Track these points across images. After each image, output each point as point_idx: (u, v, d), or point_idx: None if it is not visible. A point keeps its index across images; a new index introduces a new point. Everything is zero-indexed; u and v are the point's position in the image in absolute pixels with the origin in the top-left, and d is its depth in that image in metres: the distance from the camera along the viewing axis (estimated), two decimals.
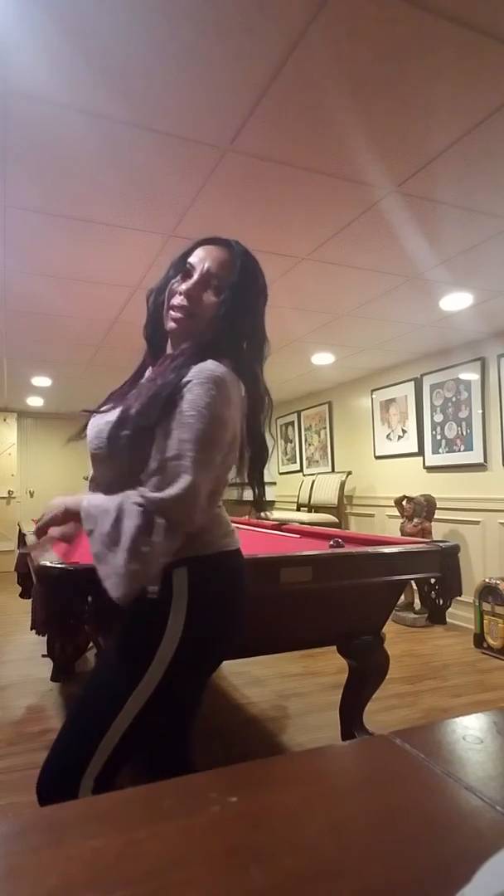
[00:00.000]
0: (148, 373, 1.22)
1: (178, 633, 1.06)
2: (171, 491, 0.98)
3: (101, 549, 0.99)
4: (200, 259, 1.14)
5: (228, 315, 1.12)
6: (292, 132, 1.74)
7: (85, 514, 1.03)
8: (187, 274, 1.14)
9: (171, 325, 1.14)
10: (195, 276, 1.12)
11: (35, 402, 6.67)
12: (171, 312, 1.13)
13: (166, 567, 1.04)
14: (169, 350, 1.19)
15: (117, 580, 0.96)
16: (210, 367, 1.05)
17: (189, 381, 1.02)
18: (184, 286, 1.12)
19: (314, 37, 1.37)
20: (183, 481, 0.98)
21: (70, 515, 1.07)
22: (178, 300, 1.12)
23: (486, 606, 3.64)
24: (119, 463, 1.08)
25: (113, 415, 1.10)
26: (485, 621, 3.65)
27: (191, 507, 1.00)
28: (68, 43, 1.39)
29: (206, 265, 1.13)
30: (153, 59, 1.44)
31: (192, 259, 1.15)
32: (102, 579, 0.98)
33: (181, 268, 1.15)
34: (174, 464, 0.99)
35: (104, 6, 1.28)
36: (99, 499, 1.03)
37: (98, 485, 1.15)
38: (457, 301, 3.26)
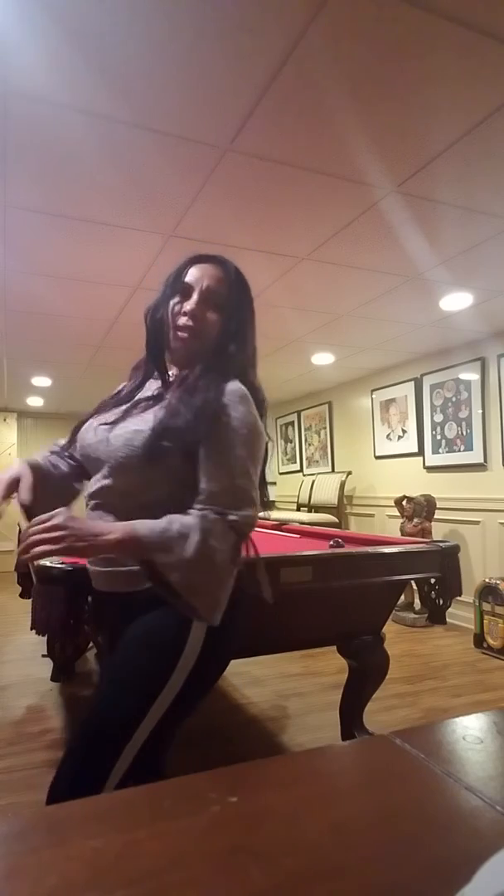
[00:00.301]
0: (152, 386, 1.24)
1: (203, 632, 1.07)
2: (249, 511, 1.06)
3: (190, 575, 0.99)
4: (197, 279, 1.17)
5: (237, 333, 1.18)
6: (292, 132, 1.74)
7: (151, 542, 1.00)
8: (186, 294, 1.17)
9: (177, 344, 1.17)
10: (195, 296, 1.16)
11: (35, 402, 6.67)
12: (178, 333, 1.16)
13: None
14: (170, 365, 1.23)
15: (214, 603, 1.01)
16: (240, 386, 1.12)
17: (230, 400, 1.09)
18: (187, 307, 1.15)
19: (314, 37, 1.37)
20: (252, 500, 1.06)
21: (111, 546, 1.00)
22: (182, 321, 1.15)
23: (486, 606, 3.64)
24: (151, 472, 1.09)
25: (139, 424, 1.11)
26: (485, 621, 3.65)
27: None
28: (68, 43, 1.39)
29: (204, 284, 1.16)
30: (153, 59, 1.44)
31: (189, 279, 1.18)
32: (196, 607, 1.00)
33: (178, 288, 1.18)
34: (243, 483, 1.06)
35: (104, 6, 1.28)
36: (157, 524, 1.01)
37: (113, 493, 1.13)
38: (457, 301, 3.26)
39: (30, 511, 1.13)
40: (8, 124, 1.68)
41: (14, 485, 1.12)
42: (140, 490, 1.11)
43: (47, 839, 0.42)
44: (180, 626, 1.06)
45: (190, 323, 1.15)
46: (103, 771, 1.00)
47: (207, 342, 1.16)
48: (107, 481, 1.14)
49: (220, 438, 1.07)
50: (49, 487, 1.21)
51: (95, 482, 1.17)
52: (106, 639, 1.24)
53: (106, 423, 1.17)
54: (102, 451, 1.15)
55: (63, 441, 1.34)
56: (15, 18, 1.32)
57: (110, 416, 1.19)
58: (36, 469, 1.18)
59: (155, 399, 1.17)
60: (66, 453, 1.32)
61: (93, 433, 1.19)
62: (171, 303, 1.17)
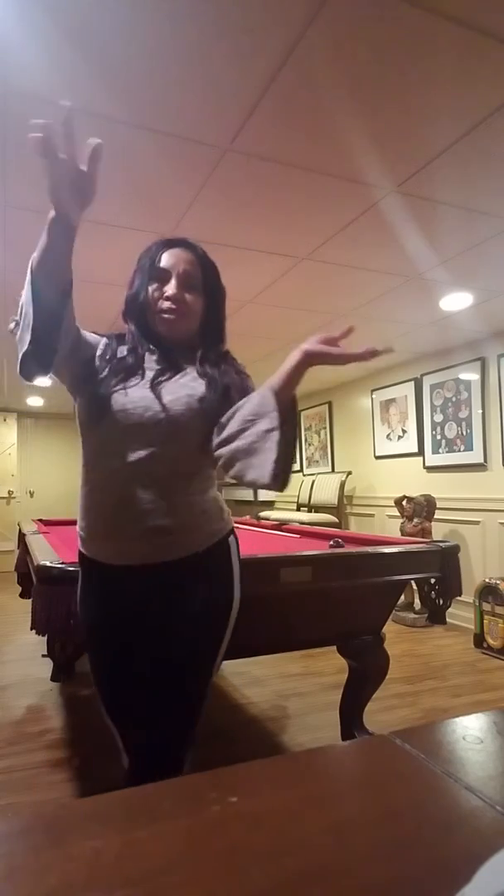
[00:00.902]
0: (150, 359, 1.22)
1: (237, 598, 1.21)
2: None
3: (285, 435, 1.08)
4: (173, 264, 1.22)
5: (216, 308, 1.28)
6: (292, 132, 1.74)
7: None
8: (164, 279, 1.21)
9: (164, 326, 1.22)
10: (174, 281, 1.21)
11: (35, 402, 6.67)
12: (163, 316, 1.20)
13: (222, 536, 1.22)
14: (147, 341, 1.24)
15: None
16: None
17: (247, 379, 1.25)
18: (169, 291, 1.20)
19: (314, 37, 1.37)
20: None
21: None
22: (166, 305, 1.20)
23: (486, 606, 3.64)
24: (199, 439, 1.16)
25: (188, 390, 1.17)
26: (485, 621, 3.65)
27: None
28: (68, 43, 1.39)
29: (180, 268, 1.22)
30: (153, 60, 1.44)
31: (164, 264, 1.22)
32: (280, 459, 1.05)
33: (154, 274, 1.22)
34: None
35: (104, 6, 1.28)
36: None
37: (163, 460, 1.14)
38: (457, 301, 3.26)
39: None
40: (8, 124, 1.68)
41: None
42: (185, 455, 1.17)
43: (47, 839, 0.42)
44: (226, 583, 1.20)
45: (174, 306, 1.20)
46: (186, 735, 1.15)
47: (193, 321, 1.24)
48: (153, 446, 1.13)
49: None
50: (68, 304, 1.10)
51: (134, 448, 1.13)
52: (124, 618, 1.19)
53: (145, 388, 1.16)
54: (152, 415, 1.13)
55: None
56: (15, 18, 1.32)
57: (138, 383, 1.17)
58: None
59: (174, 370, 1.20)
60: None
61: (132, 395, 1.14)
62: (150, 289, 1.21)
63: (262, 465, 1.05)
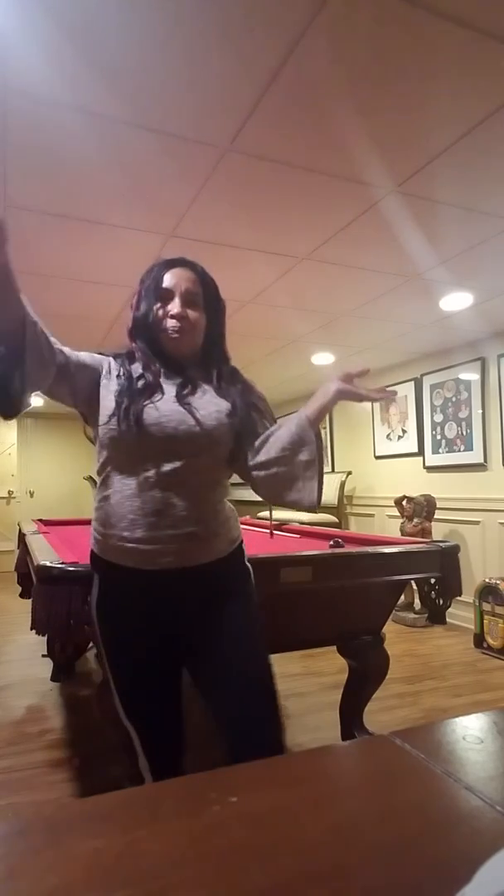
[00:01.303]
0: (166, 377, 1.28)
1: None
2: None
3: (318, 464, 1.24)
4: (175, 283, 1.27)
5: (218, 324, 1.34)
6: (292, 132, 1.74)
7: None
8: (167, 298, 1.27)
9: (170, 344, 1.27)
10: (178, 300, 1.26)
11: (35, 401, 6.62)
12: (170, 334, 1.26)
13: (240, 541, 1.33)
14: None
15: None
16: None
17: (256, 392, 1.36)
18: (173, 310, 1.25)
19: (314, 37, 1.37)
20: None
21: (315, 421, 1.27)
22: (171, 323, 1.25)
23: (486, 606, 3.64)
24: (225, 450, 1.26)
25: (215, 405, 1.26)
26: (485, 621, 3.65)
27: None
28: (68, 43, 1.39)
29: (182, 287, 1.27)
30: (154, 59, 1.44)
31: (167, 284, 1.27)
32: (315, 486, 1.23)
33: (158, 294, 1.27)
34: None
35: (104, 6, 1.28)
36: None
37: (195, 471, 1.22)
38: (457, 301, 3.26)
39: None
40: (8, 124, 1.68)
41: None
42: (216, 466, 1.26)
43: (47, 839, 0.42)
44: (252, 591, 1.32)
45: (178, 324, 1.25)
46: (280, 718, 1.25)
47: (197, 337, 1.29)
48: (188, 457, 1.21)
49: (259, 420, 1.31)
50: (39, 333, 1.13)
51: (169, 459, 1.19)
52: (155, 623, 1.23)
53: (173, 403, 1.22)
54: (187, 429, 1.20)
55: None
56: (15, 18, 1.32)
57: (164, 399, 1.23)
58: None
59: (192, 386, 1.27)
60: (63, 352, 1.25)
61: (163, 410, 1.20)
62: (154, 308, 1.27)
63: (305, 491, 1.23)
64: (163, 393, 1.24)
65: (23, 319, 1.09)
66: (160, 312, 1.26)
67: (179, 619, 1.24)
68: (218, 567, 1.25)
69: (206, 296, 1.29)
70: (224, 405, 1.26)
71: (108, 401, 1.23)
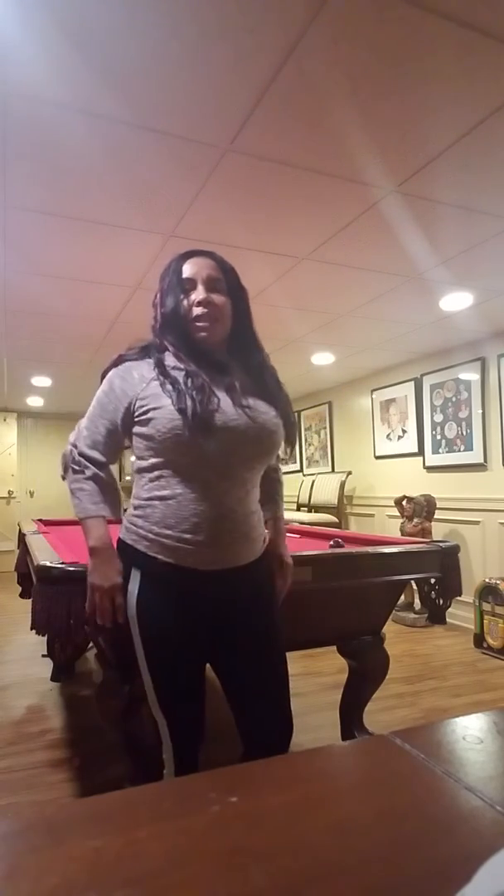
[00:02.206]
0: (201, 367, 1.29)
1: None
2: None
3: None
4: (195, 272, 1.28)
5: (246, 309, 1.34)
6: (292, 132, 1.74)
7: None
8: (191, 288, 1.27)
9: (200, 334, 1.27)
10: (201, 287, 1.26)
11: (35, 402, 6.67)
12: (198, 324, 1.26)
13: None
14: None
15: None
16: None
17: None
18: (199, 297, 1.25)
19: (314, 37, 1.37)
20: None
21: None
22: (198, 311, 1.25)
23: (486, 606, 3.64)
24: (276, 455, 1.35)
25: (270, 410, 1.30)
26: (485, 621, 3.65)
27: None
28: (68, 43, 1.39)
29: (204, 273, 1.27)
30: (154, 59, 1.44)
31: (187, 274, 1.28)
32: None
33: (182, 287, 1.27)
34: None
35: (104, 6, 1.28)
36: None
37: (256, 479, 1.30)
38: (457, 301, 3.26)
39: None
40: (8, 124, 1.68)
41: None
42: (262, 472, 1.34)
43: (47, 839, 0.42)
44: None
45: (206, 311, 1.25)
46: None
47: (226, 323, 1.29)
48: (252, 459, 1.26)
49: None
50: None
51: (232, 461, 1.22)
52: (197, 619, 1.28)
53: (234, 405, 1.24)
54: (254, 431, 1.24)
55: (107, 444, 1.30)
56: (15, 18, 1.32)
57: (223, 399, 1.24)
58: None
59: (241, 387, 1.28)
60: (106, 461, 1.32)
61: (227, 414, 1.22)
62: (180, 300, 1.26)
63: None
64: (217, 394, 1.22)
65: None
66: (185, 303, 1.26)
67: (217, 616, 1.28)
68: (259, 565, 1.33)
69: (228, 282, 1.30)
70: (273, 410, 1.31)
71: (163, 407, 1.20)
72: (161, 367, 1.25)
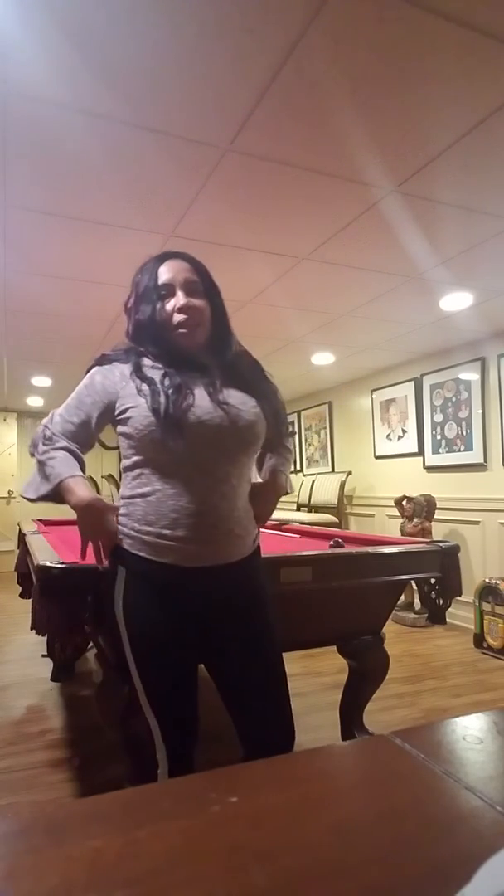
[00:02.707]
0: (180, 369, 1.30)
1: None
2: None
3: None
4: (172, 277, 1.27)
5: (222, 309, 1.33)
6: (292, 132, 1.74)
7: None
8: (169, 293, 1.26)
9: (181, 339, 1.27)
10: (179, 291, 1.26)
11: (35, 402, 6.67)
12: (179, 329, 1.26)
13: (258, 537, 1.37)
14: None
15: None
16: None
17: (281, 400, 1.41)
18: (179, 303, 1.25)
19: (314, 37, 1.37)
20: None
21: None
22: (178, 318, 1.25)
23: (486, 606, 3.64)
24: (259, 446, 1.32)
25: (248, 400, 1.28)
26: (485, 621, 3.65)
27: None
28: (68, 43, 1.39)
29: (181, 277, 1.27)
30: (153, 59, 1.44)
31: (164, 279, 1.27)
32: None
33: (158, 293, 1.27)
34: None
35: (104, 6, 1.28)
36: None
37: (242, 472, 1.28)
38: (457, 301, 3.26)
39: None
40: (8, 124, 1.68)
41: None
42: (250, 464, 1.32)
43: (47, 839, 0.42)
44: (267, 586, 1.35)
45: (187, 317, 1.25)
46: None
47: (206, 325, 1.29)
48: (232, 455, 1.24)
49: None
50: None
51: (212, 458, 1.22)
52: (183, 616, 1.27)
53: (211, 402, 1.23)
54: (230, 427, 1.22)
55: (77, 436, 1.30)
56: (15, 18, 1.32)
57: (199, 397, 1.23)
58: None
59: (225, 381, 1.28)
60: (77, 448, 1.31)
61: (201, 411, 1.21)
62: (158, 307, 1.26)
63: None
64: (193, 392, 1.22)
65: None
66: (165, 310, 1.25)
67: (208, 614, 1.27)
68: (248, 563, 1.30)
69: (204, 283, 1.29)
70: (252, 401, 1.29)
71: (139, 406, 1.21)
72: (138, 368, 1.26)
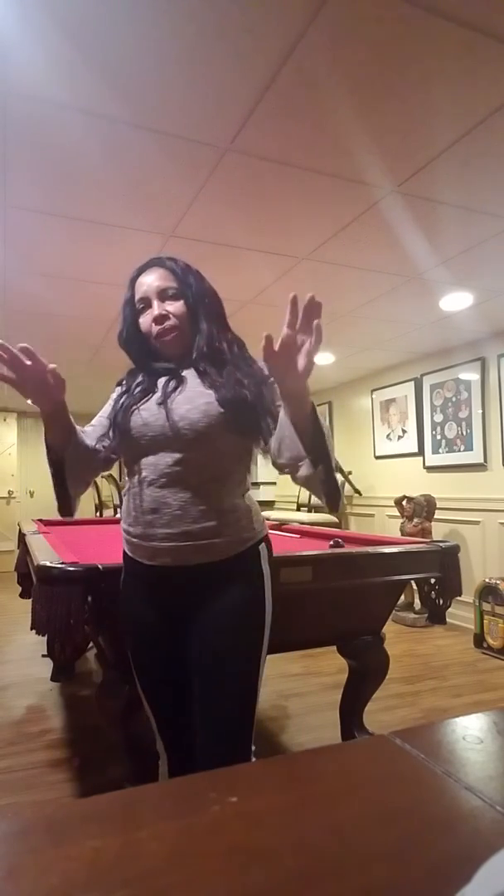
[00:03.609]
0: (161, 381, 1.31)
1: (269, 602, 1.28)
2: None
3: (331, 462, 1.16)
4: (145, 290, 1.28)
5: (199, 304, 1.29)
6: (292, 132, 1.74)
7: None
8: (146, 306, 1.29)
9: (165, 349, 1.30)
10: (154, 302, 1.27)
11: None
12: (161, 339, 1.28)
13: (254, 542, 1.27)
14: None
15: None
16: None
17: (255, 364, 1.29)
18: (155, 313, 1.26)
19: (314, 37, 1.37)
20: None
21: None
22: (157, 329, 1.28)
23: (486, 606, 3.64)
24: (222, 442, 1.22)
25: (203, 398, 1.22)
26: (485, 621, 3.65)
27: None
28: (68, 43, 1.39)
29: (154, 287, 1.28)
30: (153, 59, 1.44)
31: (140, 295, 1.29)
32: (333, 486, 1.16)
33: (135, 308, 1.30)
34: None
35: (104, 6, 1.28)
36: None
37: (189, 468, 1.22)
38: (457, 301, 3.26)
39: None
40: (8, 124, 1.68)
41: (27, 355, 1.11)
42: (214, 461, 1.23)
43: (47, 839, 0.42)
44: (261, 587, 1.26)
45: (164, 326, 1.27)
46: (249, 730, 1.21)
47: (184, 326, 1.28)
48: (179, 455, 1.22)
49: (271, 402, 1.22)
50: (79, 450, 1.28)
51: (162, 459, 1.23)
52: (161, 613, 1.29)
53: (156, 404, 1.25)
54: (170, 427, 1.22)
55: (94, 428, 1.36)
56: (15, 18, 1.32)
57: (150, 401, 1.27)
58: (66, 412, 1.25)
59: (181, 382, 1.27)
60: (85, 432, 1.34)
61: (147, 413, 1.25)
62: (139, 321, 1.30)
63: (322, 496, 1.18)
64: (149, 396, 1.28)
65: (68, 441, 1.26)
66: (145, 322, 1.29)
67: (178, 613, 1.27)
68: (220, 567, 1.22)
69: (179, 283, 1.28)
70: (204, 397, 1.23)
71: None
72: (130, 378, 1.36)
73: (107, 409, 1.38)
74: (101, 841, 0.41)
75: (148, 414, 1.25)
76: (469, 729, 0.61)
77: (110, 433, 1.30)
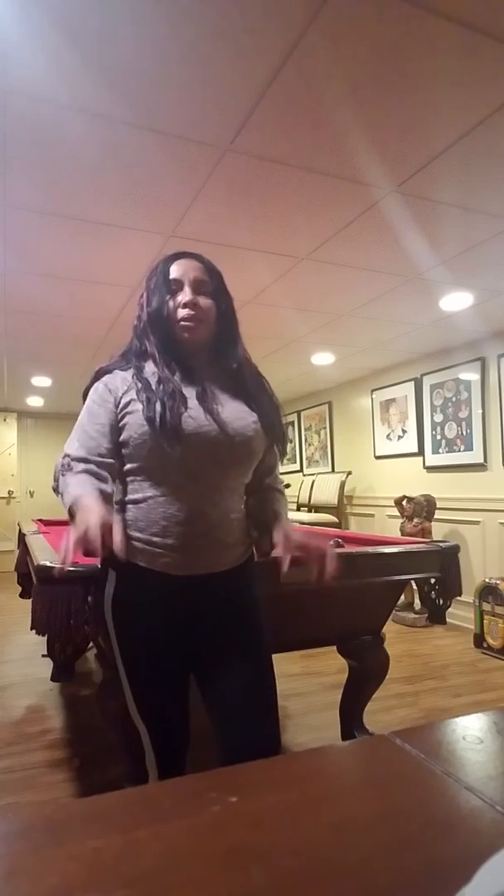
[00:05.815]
0: (178, 374, 1.27)
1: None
2: None
3: None
4: (182, 273, 1.27)
5: (231, 312, 1.32)
6: (292, 132, 1.74)
7: None
8: (178, 289, 1.26)
9: (184, 335, 1.26)
10: (188, 288, 1.26)
11: (35, 402, 6.67)
12: (183, 324, 1.25)
13: (252, 546, 1.34)
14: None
15: None
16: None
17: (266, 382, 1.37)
18: (186, 299, 1.25)
19: (314, 37, 1.37)
20: None
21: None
22: (183, 313, 1.24)
23: (486, 606, 3.64)
24: (259, 453, 1.30)
25: (246, 413, 1.27)
26: (485, 621, 3.65)
27: None
28: (68, 43, 1.39)
29: (191, 275, 1.27)
30: (153, 59, 1.44)
31: (174, 275, 1.27)
32: None
33: (168, 288, 1.27)
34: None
35: (104, 6, 1.28)
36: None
37: (235, 483, 1.26)
38: (457, 301, 3.26)
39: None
40: (7, 123, 1.68)
41: (108, 531, 1.06)
42: (247, 476, 1.30)
43: (47, 839, 0.42)
44: (262, 596, 1.32)
45: (192, 312, 1.24)
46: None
47: (210, 325, 1.28)
48: (226, 467, 1.23)
49: None
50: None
51: (205, 468, 1.20)
52: (176, 623, 1.25)
53: (204, 412, 1.22)
54: (225, 439, 1.21)
55: (100, 444, 1.21)
56: (15, 18, 1.32)
57: (192, 404, 1.22)
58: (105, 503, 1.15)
59: (212, 392, 1.26)
60: (101, 460, 1.21)
61: (196, 421, 1.20)
62: (166, 300, 1.26)
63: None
64: (187, 400, 1.21)
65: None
66: (171, 304, 1.25)
67: (197, 623, 1.25)
68: (240, 572, 1.28)
69: (214, 285, 1.29)
70: (252, 415, 1.28)
71: (135, 412, 1.19)
72: (138, 373, 1.25)
73: (98, 410, 1.23)
74: (101, 841, 0.41)
75: (197, 422, 1.20)
76: (469, 729, 0.61)
77: (150, 433, 1.17)
